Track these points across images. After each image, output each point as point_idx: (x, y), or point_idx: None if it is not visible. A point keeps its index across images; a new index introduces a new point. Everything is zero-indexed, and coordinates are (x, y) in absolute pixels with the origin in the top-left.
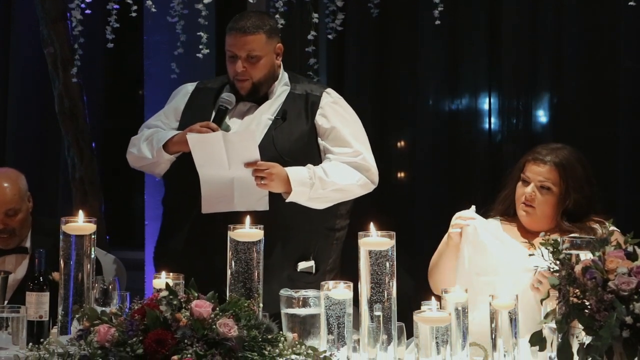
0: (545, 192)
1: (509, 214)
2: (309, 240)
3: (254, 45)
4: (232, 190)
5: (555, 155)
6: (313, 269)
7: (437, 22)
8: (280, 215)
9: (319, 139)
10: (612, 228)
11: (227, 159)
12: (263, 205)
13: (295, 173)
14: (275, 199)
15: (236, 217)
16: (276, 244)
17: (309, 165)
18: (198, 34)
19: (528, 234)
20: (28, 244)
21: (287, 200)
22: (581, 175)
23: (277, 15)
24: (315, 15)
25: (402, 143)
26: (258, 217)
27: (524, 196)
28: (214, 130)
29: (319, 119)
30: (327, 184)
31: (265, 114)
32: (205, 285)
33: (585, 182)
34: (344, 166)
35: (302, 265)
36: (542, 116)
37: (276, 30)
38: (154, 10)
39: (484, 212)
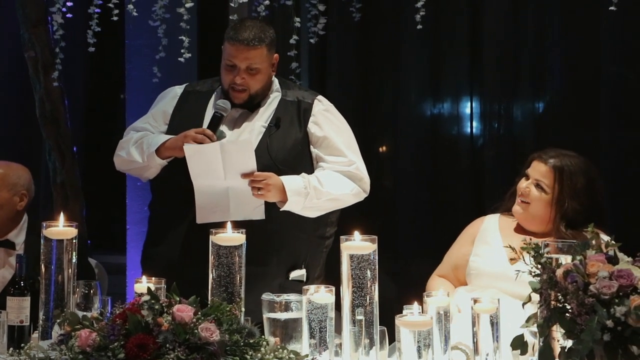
0: (539, 190)
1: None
2: (301, 249)
3: (256, 59)
4: (227, 200)
5: (559, 159)
6: (304, 277)
7: (419, 26)
8: (274, 224)
9: (311, 146)
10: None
11: (224, 168)
12: (259, 214)
13: (291, 183)
14: (268, 207)
15: (226, 223)
16: (269, 253)
17: (304, 175)
18: (180, 37)
19: (524, 231)
20: (17, 241)
21: (281, 209)
22: (581, 186)
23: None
24: (297, 19)
25: (384, 147)
26: (251, 226)
27: (520, 190)
28: (209, 137)
29: (312, 127)
30: (322, 193)
31: (259, 121)
32: (196, 291)
33: (584, 193)
34: (338, 175)
35: (294, 274)
36: (523, 120)
37: (274, 42)
38: (135, 14)
39: (495, 208)
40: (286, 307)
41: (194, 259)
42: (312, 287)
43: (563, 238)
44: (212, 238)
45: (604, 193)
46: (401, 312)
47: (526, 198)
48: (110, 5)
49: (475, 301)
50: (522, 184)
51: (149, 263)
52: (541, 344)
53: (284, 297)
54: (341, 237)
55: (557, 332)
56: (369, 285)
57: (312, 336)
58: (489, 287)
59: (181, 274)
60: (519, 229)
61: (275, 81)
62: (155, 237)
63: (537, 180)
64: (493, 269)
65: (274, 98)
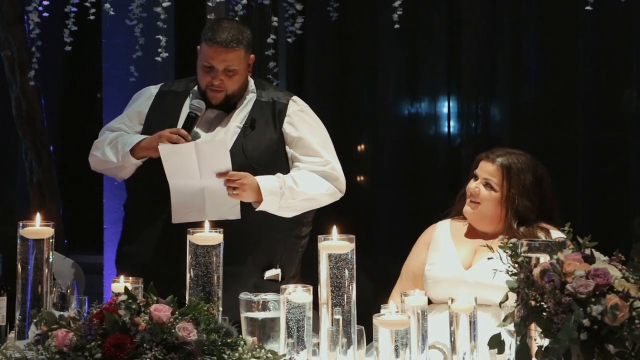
0: (488, 189)
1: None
2: (276, 249)
3: (233, 61)
4: (203, 200)
5: (506, 157)
6: (279, 277)
7: (396, 25)
8: (249, 224)
9: (286, 147)
10: (554, 232)
11: (199, 168)
12: (235, 214)
13: (266, 183)
14: (244, 207)
15: (203, 223)
16: (244, 252)
17: (279, 175)
18: (157, 37)
19: (475, 234)
20: None
21: (257, 209)
22: (529, 182)
23: (236, 18)
24: (275, 18)
25: (362, 146)
26: (226, 226)
27: (470, 191)
28: (183, 136)
29: (287, 127)
30: (297, 193)
31: (234, 122)
32: (170, 291)
33: (533, 190)
34: (313, 175)
35: (269, 273)
36: (500, 120)
37: (251, 43)
38: (112, 13)
39: (447, 213)
40: (264, 306)
41: (169, 258)
42: (289, 287)
43: (515, 236)
44: (189, 237)
45: (553, 189)
46: (379, 312)
47: (476, 198)
48: (87, 4)
49: (452, 300)
50: (471, 184)
51: (124, 262)
52: (518, 343)
53: (262, 296)
54: (319, 236)
55: (534, 331)
56: (346, 285)
57: (289, 335)
58: (446, 296)
59: (156, 274)
60: (471, 233)
61: (251, 82)
62: (130, 236)
63: (485, 179)
64: (448, 275)
65: (250, 99)
